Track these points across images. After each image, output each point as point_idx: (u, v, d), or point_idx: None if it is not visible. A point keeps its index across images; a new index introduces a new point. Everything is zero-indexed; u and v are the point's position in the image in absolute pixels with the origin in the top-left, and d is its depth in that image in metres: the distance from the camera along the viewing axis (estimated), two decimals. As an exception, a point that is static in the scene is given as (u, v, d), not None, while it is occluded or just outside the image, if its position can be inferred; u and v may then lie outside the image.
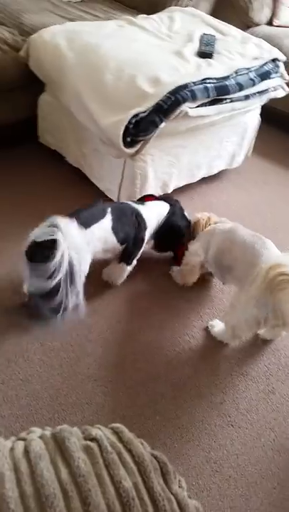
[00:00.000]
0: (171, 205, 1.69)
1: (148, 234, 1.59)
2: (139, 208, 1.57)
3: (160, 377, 1.40)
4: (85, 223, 1.37)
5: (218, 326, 1.53)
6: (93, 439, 0.61)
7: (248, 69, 1.87)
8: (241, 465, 1.24)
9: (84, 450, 0.58)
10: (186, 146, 1.90)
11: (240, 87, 1.81)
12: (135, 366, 1.42)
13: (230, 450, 1.26)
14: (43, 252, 1.25)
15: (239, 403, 1.37)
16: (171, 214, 1.66)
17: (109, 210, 1.45)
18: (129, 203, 1.60)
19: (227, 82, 1.77)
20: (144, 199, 1.72)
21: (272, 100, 2.09)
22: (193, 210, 1.76)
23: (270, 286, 1.24)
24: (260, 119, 2.22)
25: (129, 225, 1.51)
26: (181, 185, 2.03)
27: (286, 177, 2.38)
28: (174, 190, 1.99)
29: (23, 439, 0.60)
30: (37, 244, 1.27)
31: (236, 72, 1.82)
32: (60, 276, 1.25)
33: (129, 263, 1.59)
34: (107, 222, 1.43)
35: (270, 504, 1.17)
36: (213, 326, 1.55)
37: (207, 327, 1.56)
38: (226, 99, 1.79)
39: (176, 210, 1.69)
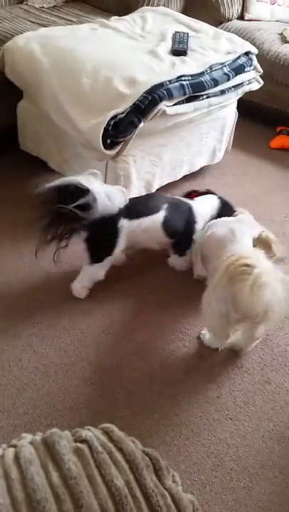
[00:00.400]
0: (218, 197, 1.73)
1: (200, 228, 1.63)
2: (193, 204, 1.65)
3: (156, 376, 1.40)
4: (136, 213, 1.47)
5: (207, 334, 1.51)
6: (83, 441, 0.60)
7: (221, 64, 1.88)
8: (242, 457, 1.24)
9: (74, 452, 0.58)
10: (167, 144, 1.91)
11: (216, 82, 1.82)
12: (130, 366, 1.42)
13: (230, 443, 1.27)
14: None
15: (236, 396, 1.38)
16: (223, 205, 1.70)
17: (164, 206, 1.54)
18: (185, 199, 1.68)
19: (202, 79, 1.78)
20: (191, 195, 1.78)
21: (248, 93, 2.11)
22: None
23: (229, 278, 1.21)
24: (237, 113, 2.23)
25: (181, 221, 1.59)
26: (164, 184, 2.04)
27: (266, 169, 2.40)
28: (158, 189, 1.99)
29: (14, 446, 0.59)
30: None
31: (211, 68, 1.83)
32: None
33: (182, 254, 1.68)
34: (158, 218, 1.52)
35: (273, 493, 1.17)
36: (204, 334, 1.51)
37: (199, 336, 1.53)
38: (202, 95, 1.80)
39: (225, 201, 1.72)
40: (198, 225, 1.63)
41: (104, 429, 0.65)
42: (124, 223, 1.46)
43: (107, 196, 1.39)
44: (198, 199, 1.72)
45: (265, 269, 1.18)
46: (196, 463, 1.22)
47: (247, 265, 1.19)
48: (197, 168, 2.18)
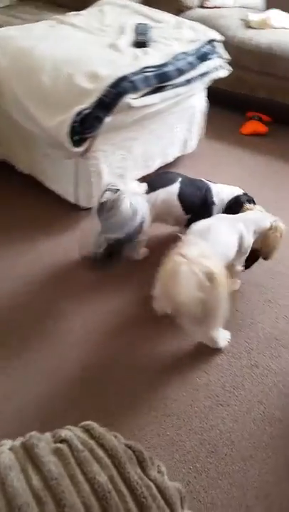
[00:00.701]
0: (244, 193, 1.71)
1: (216, 210, 1.64)
2: (211, 184, 1.67)
3: (145, 370, 1.40)
4: (152, 187, 1.55)
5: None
6: (63, 441, 0.60)
7: (185, 53, 1.87)
8: (235, 441, 1.25)
9: (54, 453, 0.57)
10: (137, 137, 1.89)
11: (181, 71, 1.81)
12: (119, 363, 1.41)
13: (222, 429, 1.27)
14: (109, 207, 1.43)
15: (225, 382, 1.38)
16: (244, 194, 1.68)
17: (179, 179, 1.60)
18: (202, 179, 1.70)
19: (166, 69, 1.77)
20: None
21: (217, 81, 2.11)
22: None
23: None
24: (207, 101, 2.23)
25: (197, 197, 1.62)
26: (138, 177, 2.02)
27: (238, 156, 2.40)
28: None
29: (-7, 453, 0.58)
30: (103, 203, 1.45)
31: (174, 58, 1.82)
32: (129, 228, 1.45)
33: None
34: (174, 189, 1.57)
35: (267, 473, 1.19)
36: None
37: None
38: (168, 85, 1.79)
39: (246, 197, 1.68)
40: (216, 208, 1.64)
41: (84, 426, 0.64)
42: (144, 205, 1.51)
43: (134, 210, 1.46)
44: (220, 185, 1.71)
45: (187, 260, 1.15)
46: (190, 451, 1.22)
47: (178, 253, 1.18)
48: (171, 159, 2.17)
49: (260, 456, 1.22)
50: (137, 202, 1.45)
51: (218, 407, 1.32)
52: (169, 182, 1.59)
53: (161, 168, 2.13)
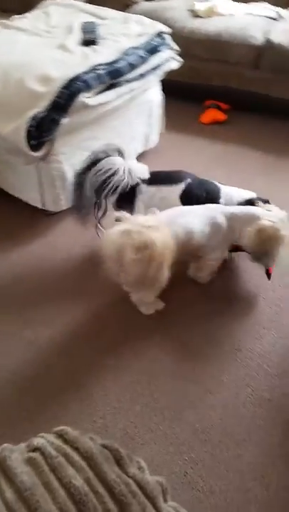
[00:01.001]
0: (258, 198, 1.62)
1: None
2: (221, 186, 1.60)
3: (130, 367, 1.39)
4: (155, 181, 1.53)
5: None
6: (36, 449, 0.58)
7: (135, 48, 1.87)
8: (227, 427, 1.25)
9: (27, 463, 0.56)
10: (97, 136, 1.87)
11: (132, 66, 1.81)
12: (103, 363, 1.40)
13: (213, 416, 1.28)
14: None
15: (210, 369, 1.39)
16: (257, 198, 1.59)
17: (187, 180, 1.55)
18: (215, 182, 1.62)
19: (118, 65, 1.76)
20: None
21: (171, 73, 2.11)
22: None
23: None
24: (163, 94, 2.23)
25: (203, 199, 1.53)
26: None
27: (201, 145, 2.42)
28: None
29: None
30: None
31: (125, 53, 1.81)
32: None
33: None
34: (177, 189, 1.53)
35: (262, 454, 1.20)
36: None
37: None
38: (121, 81, 1.78)
39: (258, 201, 1.58)
40: None
41: (57, 432, 0.62)
42: (142, 188, 1.53)
43: (129, 171, 1.49)
44: (232, 187, 1.63)
45: (128, 227, 1.25)
46: (184, 443, 1.22)
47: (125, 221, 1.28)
48: (134, 155, 2.16)
49: (254, 439, 1.23)
50: (133, 167, 1.49)
51: (206, 395, 1.32)
52: (175, 181, 1.55)
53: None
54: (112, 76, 1.73)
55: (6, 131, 1.52)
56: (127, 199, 1.54)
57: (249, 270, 1.69)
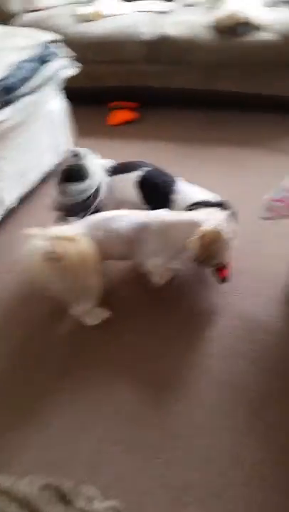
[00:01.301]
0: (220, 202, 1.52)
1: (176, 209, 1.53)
2: (180, 182, 1.58)
3: (86, 384, 1.34)
4: (114, 172, 1.58)
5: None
6: None
7: (24, 61, 1.81)
8: (196, 420, 1.24)
9: None
10: (4, 156, 1.80)
11: (24, 80, 1.75)
12: (79, 375, 1.36)
13: (180, 412, 1.26)
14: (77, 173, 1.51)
15: (168, 367, 1.37)
16: (217, 202, 1.50)
17: (144, 168, 1.57)
18: (176, 177, 1.60)
19: (9, 81, 1.69)
20: None
21: (71, 81, 2.08)
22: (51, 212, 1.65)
23: None
24: (68, 102, 2.19)
25: (158, 188, 1.55)
26: (21, 197, 1.93)
27: (113, 148, 2.38)
28: (21, 204, 1.88)
29: None
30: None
31: (14, 68, 1.75)
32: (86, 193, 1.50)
33: None
34: (132, 176, 1.56)
35: (239, 444, 1.19)
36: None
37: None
38: (15, 97, 1.71)
39: (218, 204, 1.49)
40: (178, 205, 1.51)
41: None
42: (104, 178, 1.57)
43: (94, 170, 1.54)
44: (192, 187, 1.57)
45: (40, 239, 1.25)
46: (153, 445, 1.19)
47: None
48: (48, 169, 2.10)
49: (226, 424, 1.22)
50: (95, 167, 1.53)
51: (170, 394, 1.30)
52: (131, 169, 1.59)
53: (42, 180, 2.06)
54: (5, 93, 1.66)
55: None
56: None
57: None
